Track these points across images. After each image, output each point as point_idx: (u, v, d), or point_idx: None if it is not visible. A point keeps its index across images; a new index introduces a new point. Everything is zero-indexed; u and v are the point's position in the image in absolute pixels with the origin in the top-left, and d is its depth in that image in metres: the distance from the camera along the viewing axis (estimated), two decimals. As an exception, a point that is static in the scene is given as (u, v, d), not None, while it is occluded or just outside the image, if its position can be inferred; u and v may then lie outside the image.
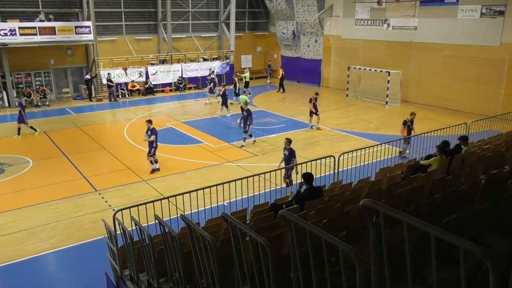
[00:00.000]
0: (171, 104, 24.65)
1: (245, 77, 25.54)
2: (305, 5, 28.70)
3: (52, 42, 23.26)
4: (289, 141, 11.76)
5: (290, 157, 11.48)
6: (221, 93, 21.06)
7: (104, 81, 25.59)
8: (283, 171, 11.19)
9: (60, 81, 26.06)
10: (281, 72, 27.52)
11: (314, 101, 17.97)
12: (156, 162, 13.57)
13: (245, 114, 15.93)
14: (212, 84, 24.80)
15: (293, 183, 11.19)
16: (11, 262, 8.63)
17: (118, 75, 25.86)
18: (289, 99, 25.28)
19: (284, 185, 11.31)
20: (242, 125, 16.59)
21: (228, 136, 17.60)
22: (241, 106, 16.73)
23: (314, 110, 18.02)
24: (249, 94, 25.29)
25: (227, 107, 20.85)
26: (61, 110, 23.09)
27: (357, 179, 8.76)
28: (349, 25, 26.65)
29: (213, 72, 27.03)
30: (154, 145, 13.33)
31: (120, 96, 25.80)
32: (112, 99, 25.20)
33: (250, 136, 16.16)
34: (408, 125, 14.21)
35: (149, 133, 13.20)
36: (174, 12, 28.34)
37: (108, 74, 25.15)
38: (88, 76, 25.17)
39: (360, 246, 3.48)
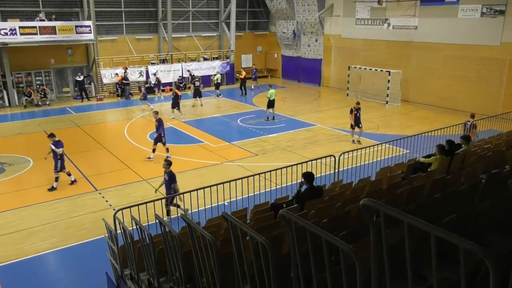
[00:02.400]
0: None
1: (216, 79, 26.33)
2: (306, 5, 28.69)
3: (52, 41, 23.28)
4: (168, 163, 10.06)
5: (170, 182, 10.01)
6: (173, 95, 20.51)
7: (105, 81, 25.65)
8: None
9: (61, 81, 26.07)
10: (243, 73, 26.91)
11: (355, 112, 16.01)
12: (66, 176, 12.50)
13: (157, 124, 14.41)
14: (145, 90, 23.10)
15: (182, 207, 9.89)
16: (11, 261, 8.63)
17: (118, 74, 25.89)
18: (289, 99, 25.26)
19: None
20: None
21: (228, 136, 17.62)
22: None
23: (353, 123, 16.08)
24: (220, 95, 25.98)
25: (179, 109, 20.48)
26: (61, 110, 23.08)
27: (357, 179, 8.76)
28: (350, 25, 26.64)
29: (155, 74, 26.38)
30: (58, 157, 12.10)
31: (125, 96, 25.78)
32: (131, 97, 25.63)
33: (167, 150, 14.63)
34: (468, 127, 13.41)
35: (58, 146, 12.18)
36: (174, 12, 28.33)
37: (125, 72, 25.31)
38: (78, 78, 24.72)
39: (360, 245, 3.48)
